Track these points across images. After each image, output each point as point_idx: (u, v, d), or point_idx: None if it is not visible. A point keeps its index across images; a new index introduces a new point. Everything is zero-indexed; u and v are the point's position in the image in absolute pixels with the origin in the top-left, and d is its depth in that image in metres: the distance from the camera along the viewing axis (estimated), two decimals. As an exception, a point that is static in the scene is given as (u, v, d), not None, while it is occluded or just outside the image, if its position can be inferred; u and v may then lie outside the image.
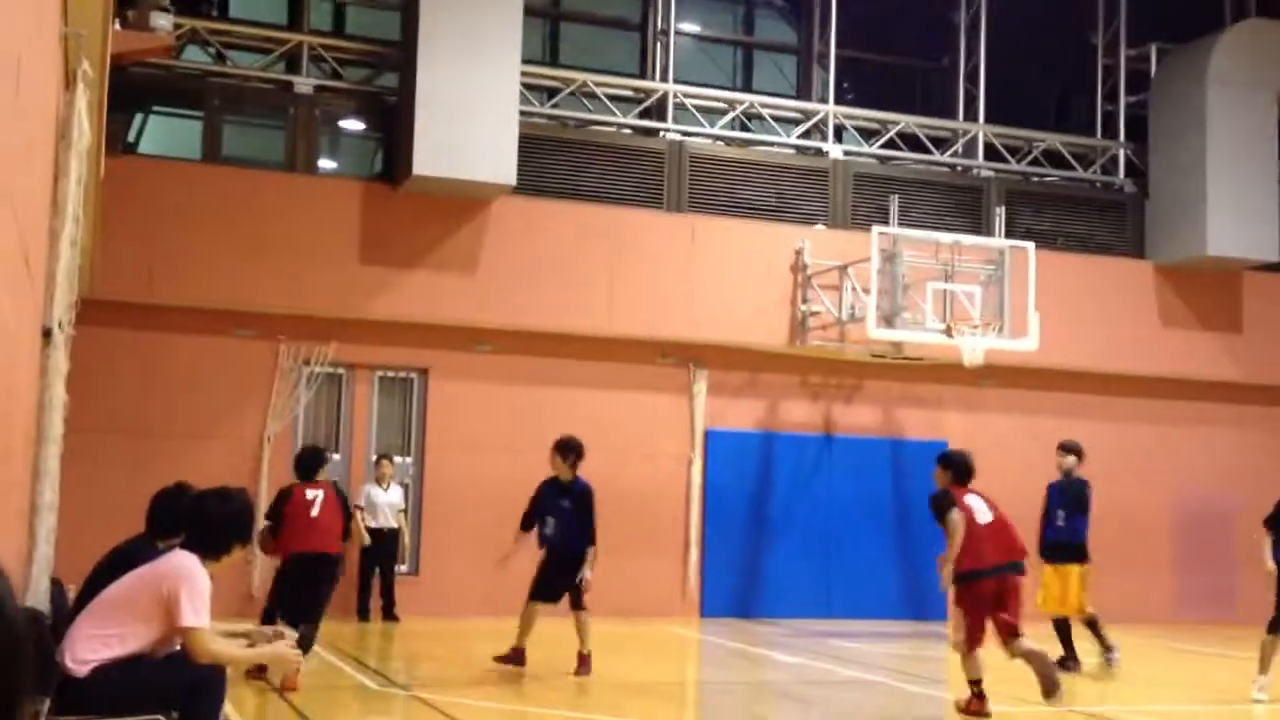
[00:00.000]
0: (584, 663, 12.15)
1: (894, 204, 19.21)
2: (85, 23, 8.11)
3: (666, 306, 18.82)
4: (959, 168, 21.45)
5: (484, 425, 18.24)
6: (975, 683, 10.46)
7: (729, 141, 20.40)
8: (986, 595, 10.41)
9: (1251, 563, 21.55)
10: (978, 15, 21.59)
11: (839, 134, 21.03)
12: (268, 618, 11.48)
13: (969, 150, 21.43)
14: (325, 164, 19.45)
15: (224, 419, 17.45)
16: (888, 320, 17.83)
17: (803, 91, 21.51)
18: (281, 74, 18.67)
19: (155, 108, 19.10)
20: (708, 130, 20.29)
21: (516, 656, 12.28)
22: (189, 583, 6.23)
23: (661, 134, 19.90)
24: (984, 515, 10.61)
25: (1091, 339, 20.55)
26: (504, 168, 17.40)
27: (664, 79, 20.13)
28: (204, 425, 17.30)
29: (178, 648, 6.34)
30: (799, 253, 19.33)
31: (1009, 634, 10.45)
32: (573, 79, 19.65)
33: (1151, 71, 22.10)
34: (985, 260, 18.37)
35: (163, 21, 13.00)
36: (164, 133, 19.34)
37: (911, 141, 21.22)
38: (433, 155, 17.10)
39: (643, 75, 20.39)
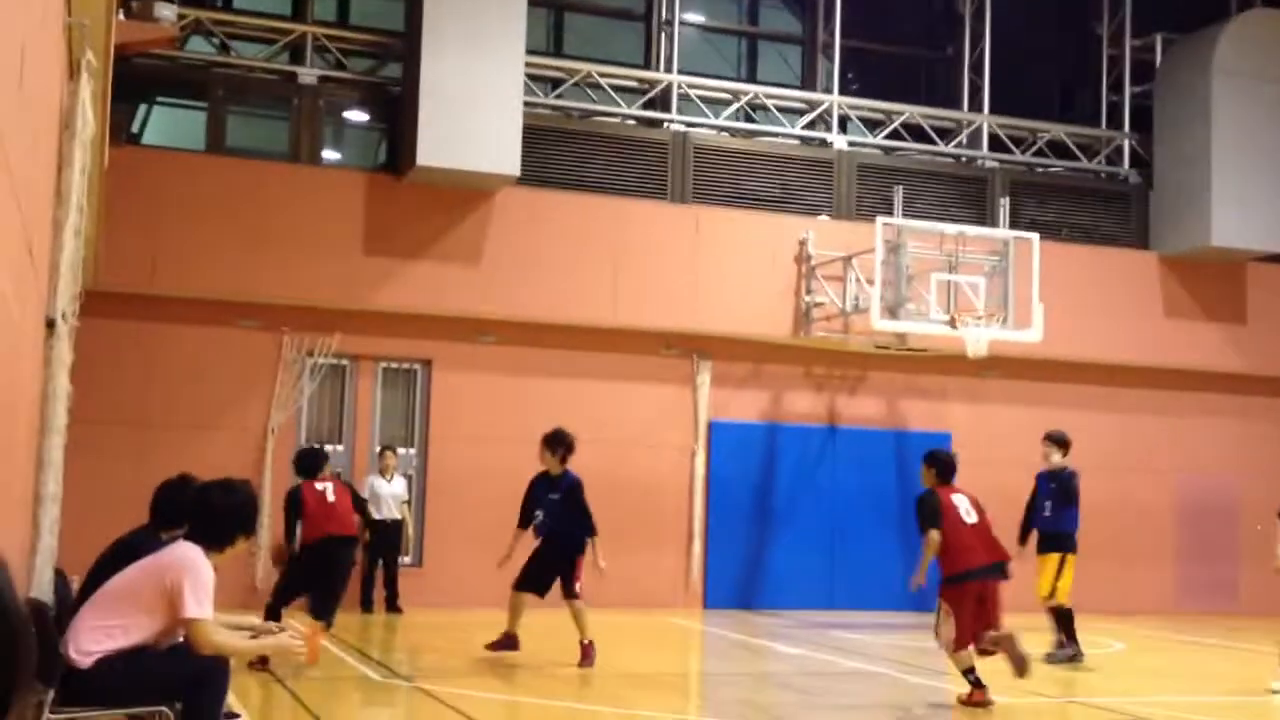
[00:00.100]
0: (586, 652, 12.14)
1: (898, 195, 19.20)
2: (89, 13, 8.11)
3: (670, 298, 18.81)
4: (963, 158, 21.41)
5: (487, 416, 18.23)
6: (969, 672, 10.56)
7: (733, 132, 20.37)
8: (973, 595, 10.64)
9: (1255, 553, 21.63)
10: (982, 5, 21.54)
11: (843, 125, 21.00)
12: (271, 613, 11.55)
13: (973, 141, 21.40)
14: (329, 155, 19.45)
15: (228, 410, 17.45)
16: (892, 311, 17.81)
17: (807, 82, 21.48)
18: (285, 65, 18.66)
19: (159, 98, 19.10)
20: (712, 121, 20.26)
21: (509, 642, 12.32)
22: (192, 574, 6.23)
23: (666, 125, 19.87)
24: (969, 516, 10.82)
25: (1096, 330, 20.53)
26: (508, 158, 17.38)
27: (668, 70, 20.10)
28: (207, 416, 17.31)
29: (181, 639, 6.35)
30: (803, 244, 19.30)
31: (983, 631, 10.65)
32: (577, 70, 19.62)
33: (1156, 62, 22.06)
34: (989, 251, 18.35)
35: (166, 12, 12.99)
36: (168, 123, 19.34)
37: (916, 132, 21.19)
38: (436, 146, 17.09)
39: (647, 66, 20.36)
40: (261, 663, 10.81)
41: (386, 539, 16.95)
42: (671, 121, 19.88)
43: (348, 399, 18.28)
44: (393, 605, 16.97)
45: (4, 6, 4.29)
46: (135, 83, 17.04)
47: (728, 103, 20.41)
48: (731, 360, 19.42)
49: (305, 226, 17.43)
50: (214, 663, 6.31)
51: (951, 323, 17.69)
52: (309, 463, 12.42)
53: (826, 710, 11.13)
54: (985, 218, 20.40)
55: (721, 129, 20.31)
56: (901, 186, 19.50)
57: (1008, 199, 20.08)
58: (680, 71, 20.12)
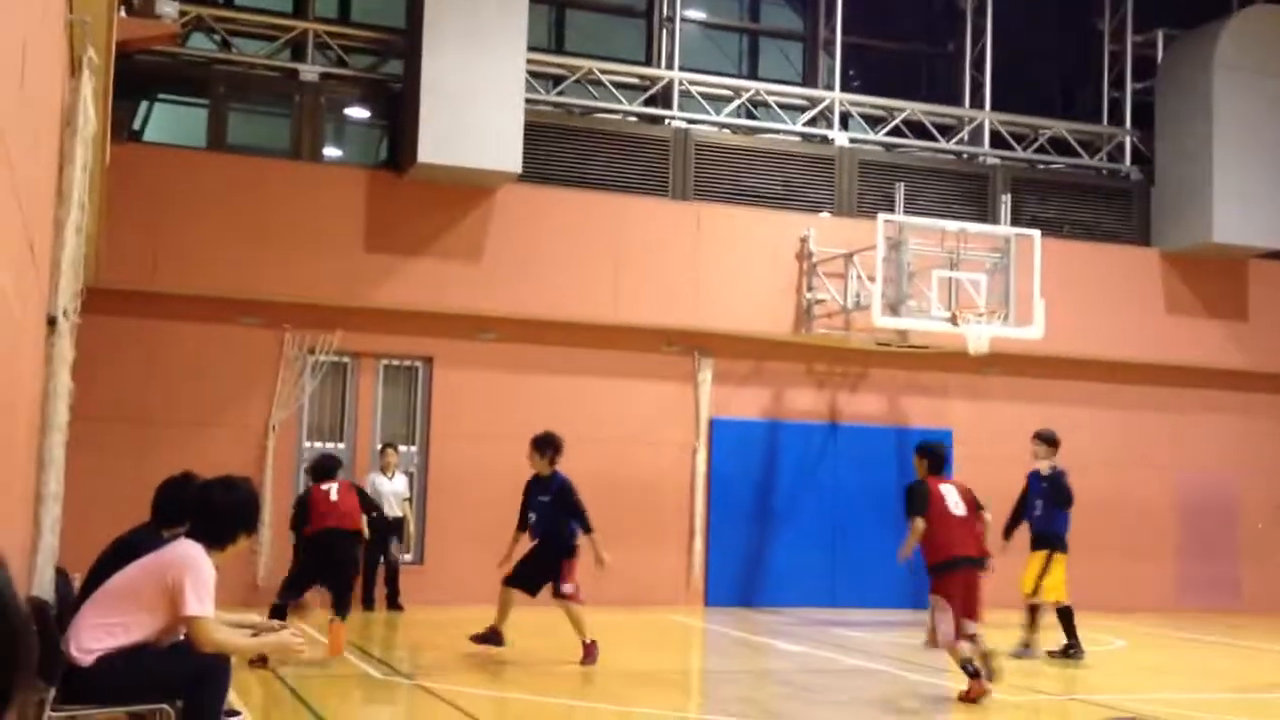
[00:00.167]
0: (589, 652, 12.15)
1: (899, 191, 19.19)
2: (90, 9, 8.10)
3: (671, 294, 18.80)
4: (965, 155, 21.40)
5: (488, 414, 18.23)
6: (966, 663, 10.66)
7: (734, 129, 20.36)
8: (960, 584, 10.90)
9: (1256, 550, 21.64)
10: (983, 2, 21.52)
11: (845, 121, 20.99)
12: (277, 612, 11.60)
13: (975, 137, 21.38)
14: (330, 152, 19.44)
15: (229, 407, 17.46)
16: (893, 308, 17.80)
17: (808, 78, 21.46)
18: (287, 61, 18.66)
19: (160, 95, 19.09)
20: (713, 118, 20.25)
21: (493, 636, 12.36)
22: (193, 572, 6.23)
23: (667, 121, 19.86)
24: (957, 508, 11.06)
25: (1097, 327, 20.52)
26: (509, 155, 17.37)
27: (669, 66, 20.09)
28: (209, 414, 17.32)
29: (182, 637, 6.35)
30: (804, 240, 19.29)
31: (963, 620, 10.85)
32: (578, 66, 19.61)
33: (1158, 58, 22.04)
34: (991, 248, 18.34)
35: (168, 8, 12.96)
36: (169, 120, 19.33)
37: (917, 129, 21.18)
38: (438, 143, 17.09)
39: (648, 62, 20.34)
40: (261, 661, 10.81)
41: (387, 537, 16.95)
42: (673, 118, 19.87)
43: (349, 396, 18.28)
44: (394, 603, 16.98)
45: (5, 3, 4.29)
46: (137, 80, 17.02)
47: (729, 99, 20.40)
48: (733, 357, 19.41)
49: (306, 223, 17.43)
50: (215, 661, 6.31)
51: (953, 319, 17.69)
52: (320, 468, 13.04)
53: (827, 707, 11.13)
54: (986, 214, 20.39)
55: (723, 126, 20.29)
56: (903, 183, 19.49)
57: (1009, 195, 20.08)
58: (681, 68, 20.11)
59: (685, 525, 19.14)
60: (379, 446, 17.71)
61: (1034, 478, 14.37)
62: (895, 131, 21.03)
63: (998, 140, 21.44)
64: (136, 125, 18.38)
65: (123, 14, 10.82)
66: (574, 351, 18.75)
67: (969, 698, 10.58)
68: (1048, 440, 14.41)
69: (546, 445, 12.54)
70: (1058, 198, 21.63)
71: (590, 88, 19.77)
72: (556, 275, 18.33)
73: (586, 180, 19.10)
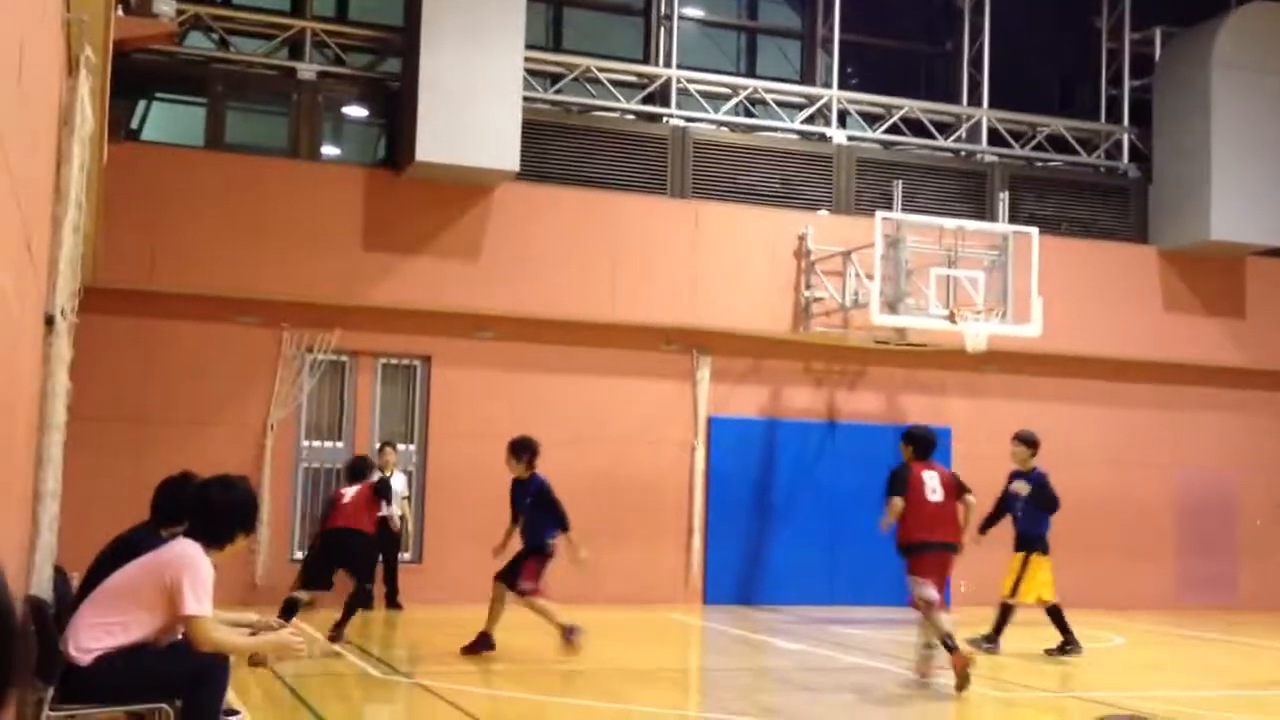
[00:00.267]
0: (567, 634, 12.18)
1: (898, 189, 19.19)
2: (88, 8, 8.09)
3: (670, 293, 18.80)
4: (963, 153, 21.40)
5: (487, 412, 18.21)
6: (947, 637, 10.91)
7: (733, 127, 20.35)
8: (930, 565, 11.35)
9: (1255, 548, 21.65)
10: (981, 0, 21.52)
11: (843, 119, 20.98)
12: (289, 606, 11.64)
13: (973, 135, 21.38)
14: (328, 150, 19.43)
15: (227, 406, 17.45)
16: (891, 306, 17.80)
17: (806, 76, 21.46)
18: (284, 60, 18.64)
19: (158, 94, 19.07)
20: (711, 116, 20.25)
21: (482, 642, 12.47)
22: (192, 571, 6.23)
23: (665, 119, 19.85)
24: (935, 494, 11.42)
25: (1095, 324, 20.52)
26: (507, 154, 17.36)
27: (667, 64, 20.08)
28: (207, 412, 17.31)
29: (181, 636, 6.34)
30: (802, 238, 19.29)
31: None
32: (576, 64, 19.60)
33: (1156, 55, 22.03)
34: (989, 246, 18.34)
35: (165, 7, 12.95)
36: (167, 119, 19.32)
37: (915, 126, 21.18)
38: (435, 141, 17.08)
39: (646, 60, 20.34)
40: (261, 660, 10.80)
41: (386, 536, 16.94)
42: (671, 116, 19.86)
43: (347, 395, 18.28)
44: (393, 601, 16.98)
45: (3, 3, 4.28)
46: (134, 78, 17.02)
47: (727, 97, 20.39)
48: (731, 355, 19.41)
49: (304, 222, 17.42)
50: (213, 660, 6.31)
51: (951, 317, 17.69)
52: (348, 471, 13.58)
53: (827, 705, 11.13)
54: (984, 212, 20.39)
55: (721, 124, 20.29)
56: (901, 181, 19.49)
57: (1007, 193, 20.07)
58: (679, 66, 20.10)
59: (684, 523, 19.13)
60: (377, 445, 17.69)
61: (1015, 478, 14.31)
62: (893, 129, 21.03)
63: (996, 138, 21.44)
64: (134, 124, 18.35)
65: (120, 13, 10.82)
66: (572, 350, 18.74)
67: (958, 672, 10.64)
68: (1027, 442, 14.37)
69: (523, 450, 12.62)
70: (1056, 195, 21.62)
71: (588, 86, 19.76)
72: (554, 273, 18.32)
73: (585, 178, 19.09)
